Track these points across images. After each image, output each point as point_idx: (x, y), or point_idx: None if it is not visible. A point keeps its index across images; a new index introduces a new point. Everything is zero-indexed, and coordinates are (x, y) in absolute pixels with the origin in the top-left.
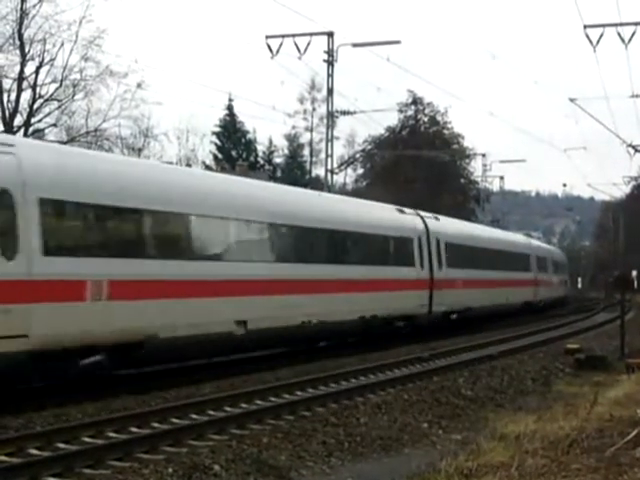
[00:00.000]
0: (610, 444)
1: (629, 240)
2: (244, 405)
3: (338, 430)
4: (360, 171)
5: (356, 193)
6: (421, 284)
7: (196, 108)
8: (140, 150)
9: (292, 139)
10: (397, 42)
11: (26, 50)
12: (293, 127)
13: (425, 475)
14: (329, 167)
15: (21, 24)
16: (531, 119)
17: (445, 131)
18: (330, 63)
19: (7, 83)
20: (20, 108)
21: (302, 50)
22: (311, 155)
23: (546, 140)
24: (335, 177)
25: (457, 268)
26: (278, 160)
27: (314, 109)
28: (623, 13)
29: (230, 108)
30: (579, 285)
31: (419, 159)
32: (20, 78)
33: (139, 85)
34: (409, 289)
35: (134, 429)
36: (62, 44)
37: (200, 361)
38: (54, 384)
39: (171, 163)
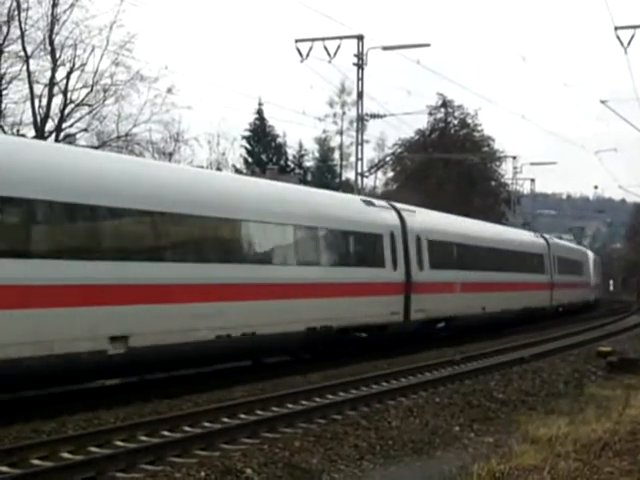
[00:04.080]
0: None
1: None
2: (275, 409)
3: (370, 433)
4: (390, 174)
5: (386, 196)
6: (393, 288)
7: (226, 112)
8: (171, 155)
9: (322, 143)
10: (427, 45)
11: (57, 55)
12: (323, 131)
13: (457, 478)
14: (359, 170)
15: (52, 30)
16: (562, 121)
17: (475, 134)
18: (360, 66)
19: (38, 89)
20: (51, 113)
21: (332, 54)
22: (341, 159)
23: (577, 142)
24: (365, 180)
25: (444, 269)
26: (308, 164)
27: (344, 113)
28: None
29: (260, 112)
30: (611, 287)
31: (449, 162)
32: (51, 83)
33: (169, 90)
34: (377, 294)
35: (166, 433)
36: (93, 49)
37: (230, 365)
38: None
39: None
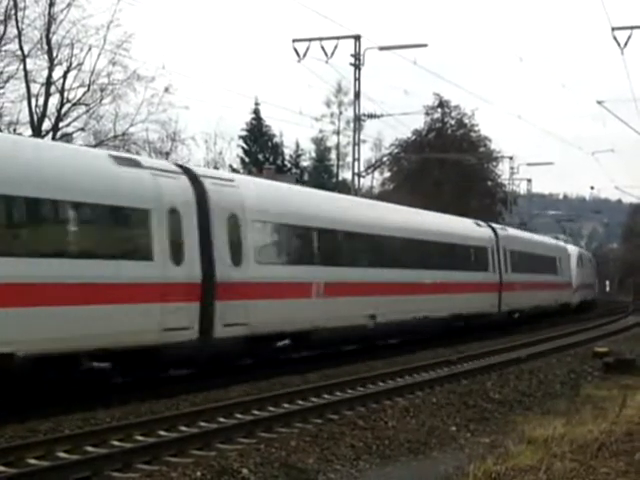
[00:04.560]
0: (639, 447)
1: None
2: (272, 409)
3: (366, 433)
4: (387, 174)
5: (383, 196)
6: (174, 291)
7: (224, 112)
8: (168, 154)
9: (319, 142)
10: (424, 45)
11: (54, 55)
12: (320, 131)
13: (453, 478)
14: (356, 170)
15: (49, 29)
16: (559, 122)
17: (472, 134)
18: (357, 66)
19: (35, 88)
20: (48, 113)
21: (329, 54)
22: (338, 159)
23: (574, 143)
24: (362, 180)
25: (288, 265)
26: (305, 164)
27: (341, 112)
28: None
29: (257, 112)
30: (607, 288)
31: (446, 162)
32: (48, 83)
33: (166, 89)
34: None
35: (162, 433)
36: (90, 48)
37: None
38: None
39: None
